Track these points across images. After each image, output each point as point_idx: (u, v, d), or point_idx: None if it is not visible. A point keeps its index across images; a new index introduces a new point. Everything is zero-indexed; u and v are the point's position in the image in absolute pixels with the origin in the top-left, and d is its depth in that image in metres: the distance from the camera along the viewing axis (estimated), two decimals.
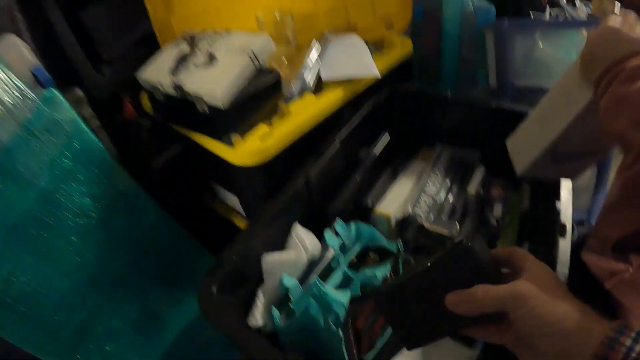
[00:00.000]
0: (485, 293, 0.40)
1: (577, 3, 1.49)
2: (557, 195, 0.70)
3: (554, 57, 1.12)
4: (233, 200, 0.95)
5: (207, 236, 1.12)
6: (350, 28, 1.02)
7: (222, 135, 0.77)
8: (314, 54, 0.87)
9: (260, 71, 0.77)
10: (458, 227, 0.84)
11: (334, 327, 0.64)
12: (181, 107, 0.81)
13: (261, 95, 0.78)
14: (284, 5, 0.91)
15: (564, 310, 0.36)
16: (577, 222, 0.79)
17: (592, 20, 1.15)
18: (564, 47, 1.11)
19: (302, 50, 0.89)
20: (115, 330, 0.98)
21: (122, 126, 1.07)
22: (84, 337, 0.91)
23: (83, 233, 0.88)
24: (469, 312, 0.41)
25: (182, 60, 0.83)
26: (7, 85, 0.79)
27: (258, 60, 0.74)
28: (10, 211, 0.81)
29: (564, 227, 0.66)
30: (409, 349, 0.48)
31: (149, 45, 1.01)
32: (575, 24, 1.13)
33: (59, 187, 0.86)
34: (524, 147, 0.70)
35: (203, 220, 1.10)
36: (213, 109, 0.75)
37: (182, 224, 1.07)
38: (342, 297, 0.66)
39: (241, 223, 0.98)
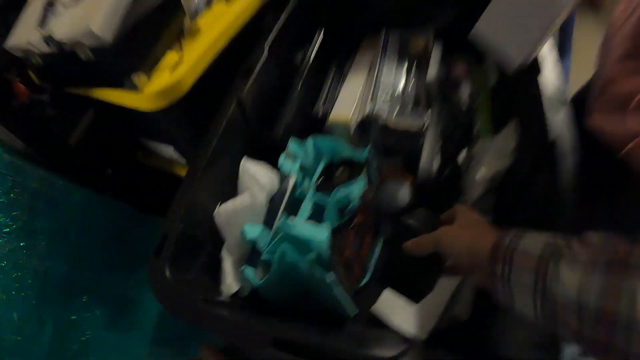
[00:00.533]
0: (422, 239, 0.53)
1: None
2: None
3: None
4: (168, 150, 0.83)
5: (157, 201, 0.99)
6: None
7: (121, 80, 0.63)
8: None
9: None
10: (425, 118, 0.73)
11: (319, 272, 0.55)
12: (63, 64, 0.66)
13: (155, 18, 0.63)
14: None
15: (468, 235, 0.48)
16: None
17: None
18: None
19: None
20: (93, 339, 0.87)
21: (21, 112, 0.90)
22: None
23: (8, 253, 0.74)
24: (418, 252, 0.53)
25: (49, 7, 0.66)
26: None
27: None
28: None
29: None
30: (417, 302, 0.64)
31: (14, 7, 0.83)
32: None
33: None
34: (511, 31, 0.57)
35: (146, 183, 0.98)
36: (98, 52, 0.60)
37: (124, 195, 0.95)
38: (320, 233, 0.56)
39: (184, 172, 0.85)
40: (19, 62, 0.82)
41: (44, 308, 0.79)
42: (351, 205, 0.63)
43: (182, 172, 0.87)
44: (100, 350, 0.89)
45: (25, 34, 0.68)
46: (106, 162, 0.93)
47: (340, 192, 0.64)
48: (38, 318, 0.78)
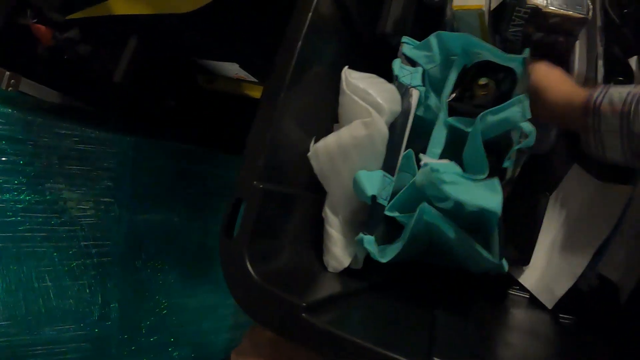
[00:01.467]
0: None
1: None
2: None
3: None
4: (233, 68, 0.66)
5: (230, 134, 0.82)
6: None
7: None
8: None
9: None
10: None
11: (486, 257, 0.38)
12: None
13: None
14: None
15: (564, 88, 0.48)
16: None
17: None
18: None
19: None
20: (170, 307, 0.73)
21: (48, 57, 0.74)
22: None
23: (49, 235, 0.60)
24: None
25: None
26: None
27: None
28: None
29: None
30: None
31: None
32: None
33: None
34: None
35: (213, 112, 0.83)
36: None
37: (189, 133, 0.80)
38: (490, 198, 0.36)
39: (259, 93, 0.69)
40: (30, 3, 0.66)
41: (103, 287, 0.65)
42: (514, 142, 0.41)
43: (255, 93, 0.71)
44: (180, 319, 0.75)
45: None
46: (164, 94, 0.78)
47: (490, 118, 0.42)
48: (100, 300, 0.64)
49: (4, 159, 0.56)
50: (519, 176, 0.47)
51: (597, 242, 0.54)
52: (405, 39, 0.48)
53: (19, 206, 0.57)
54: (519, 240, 0.55)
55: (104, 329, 0.64)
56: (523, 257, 0.55)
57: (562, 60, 0.54)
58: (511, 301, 0.56)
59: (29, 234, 0.57)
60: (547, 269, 0.56)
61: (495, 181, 0.38)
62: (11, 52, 0.73)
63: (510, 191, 0.48)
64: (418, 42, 0.48)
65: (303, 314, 0.30)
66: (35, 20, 0.72)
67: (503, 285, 0.57)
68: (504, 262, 0.39)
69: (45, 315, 0.57)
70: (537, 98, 0.47)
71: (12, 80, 0.73)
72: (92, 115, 0.69)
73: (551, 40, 0.52)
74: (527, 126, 0.41)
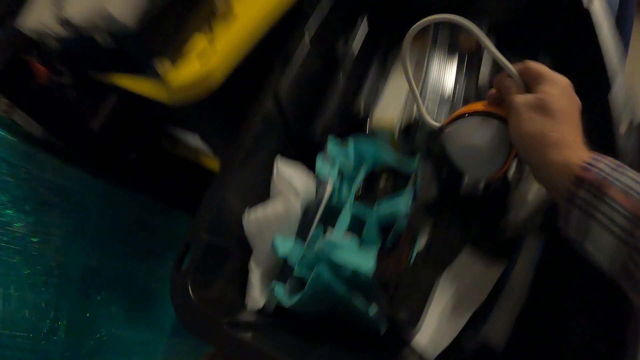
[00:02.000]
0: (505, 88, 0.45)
1: None
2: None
3: None
4: (194, 139, 0.77)
5: (180, 193, 0.93)
6: None
7: (143, 68, 0.56)
8: None
9: None
10: None
11: (360, 304, 0.50)
12: (82, 48, 0.59)
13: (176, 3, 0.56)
14: None
15: (554, 133, 0.38)
16: None
17: None
18: None
19: None
20: (109, 337, 0.83)
21: (39, 94, 0.85)
22: None
23: (20, 249, 0.69)
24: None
25: None
26: None
27: None
28: None
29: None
30: None
31: None
32: None
33: None
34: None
35: (170, 173, 0.92)
36: (117, 37, 0.53)
37: (147, 186, 0.90)
38: (365, 261, 0.49)
39: (213, 164, 0.80)
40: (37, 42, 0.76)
41: (58, 305, 0.74)
42: (397, 224, 0.56)
43: (209, 163, 0.81)
44: (116, 347, 0.84)
45: (39, 14, 0.61)
46: (129, 148, 0.87)
47: (384, 207, 0.57)
48: (52, 315, 0.73)
49: None
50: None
51: (473, 307, 0.58)
52: (330, 137, 0.63)
53: (2, 219, 0.66)
54: (412, 304, 0.63)
55: (50, 342, 0.72)
56: (413, 320, 0.61)
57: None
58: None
59: (5, 245, 0.66)
60: (434, 332, 0.59)
61: (373, 250, 0.52)
62: (9, 82, 0.83)
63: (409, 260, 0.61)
64: (339, 141, 0.64)
65: (225, 327, 0.42)
66: (37, 60, 0.83)
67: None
68: (380, 321, 0.52)
69: (1, 319, 0.65)
70: (517, 137, 0.40)
71: (7, 107, 0.83)
72: (71, 154, 0.80)
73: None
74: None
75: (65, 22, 0.56)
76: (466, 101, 0.67)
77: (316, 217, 0.55)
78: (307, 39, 0.59)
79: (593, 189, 0.34)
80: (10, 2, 0.83)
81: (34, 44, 0.78)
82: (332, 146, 0.62)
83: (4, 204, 0.67)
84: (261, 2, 0.63)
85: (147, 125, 0.85)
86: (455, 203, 0.66)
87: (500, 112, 0.46)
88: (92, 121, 0.79)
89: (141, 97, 0.61)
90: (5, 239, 0.66)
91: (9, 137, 0.69)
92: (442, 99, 0.66)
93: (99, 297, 0.81)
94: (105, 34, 0.53)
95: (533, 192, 0.61)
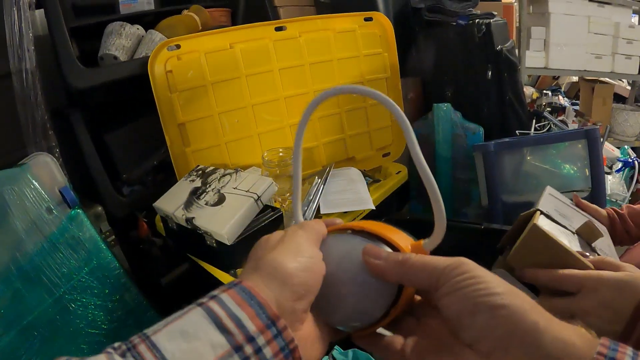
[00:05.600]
0: (420, 258, 0.34)
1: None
2: None
3: (542, 167, 1.20)
4: None
5: None
6: (349, 159, 1.11)
7: (228, 268, 0.84)
8: (314, 190, 0.95)
9: (264, 209, 0.85)
10: None
11: None
12: (191, 237, 0.88)
13: (264, 230, 0.86)
14: (287, 143, 1.01)
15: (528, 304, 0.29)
16: None
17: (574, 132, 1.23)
18: (550, 157, 1.19)
19: (304, 183, 0.98)
20: None
21: (136, 242, 1.14)
22: None
23: (93, 343, 0.92)
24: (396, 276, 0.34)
25: (194, 195, 0.91)
26: (37, 202, 0.90)
27: (261, 201, 0.82)
28: (26, 312, 0.86)
29: None
30: None
31: (166, 171, 1.11)
32: (558, 137, 1.22)
33: (75, 298, 0.92)
34: None
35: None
36: (220, 244, 0.82)
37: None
38: None
39: None
40: (150, 207, 1.07)
41: None
42: None
43: None
44: None
45: (171, 206, 0.92)
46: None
47: None
48: None
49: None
50: None
51: None
52: (335, 347, 0.86)
53: None
54: None
55: None
56: None
57: None
58: None
59: None
60: None
61: None
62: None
63: None
64: (342, 350, 0.86)
65: None
66: (145, 220, 1.13)
67: None
68: None
69: None
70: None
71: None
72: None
73: None
74: None
75: (189, 220, 0.85)
76: None
77: None
78: None
79: None
80: (141, 175, 1.18)
81: (148, 207, 1.08)
82: (337, 354, 0.85)
83: None
84: None
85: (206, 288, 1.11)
86: None
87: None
88: (164, 277, 1.05)
89: (210, 276, 0.86)
90: None
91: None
92: None
93: None
94: (213, 239, 0.82)
95: None
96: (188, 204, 0.90)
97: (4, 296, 0.85)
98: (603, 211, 0.80)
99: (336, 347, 0.86)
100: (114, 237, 1.11)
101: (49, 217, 0.92)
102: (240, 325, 0.26)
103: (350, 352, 0.86)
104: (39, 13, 1.06)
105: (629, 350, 0.27)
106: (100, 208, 1.10)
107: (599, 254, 0.63)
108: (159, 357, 0.25)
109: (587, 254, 0.56)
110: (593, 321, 0.46)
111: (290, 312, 0.30)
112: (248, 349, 0.26)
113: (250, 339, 0.26)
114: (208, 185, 0.91)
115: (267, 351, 0.26)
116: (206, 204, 0.87)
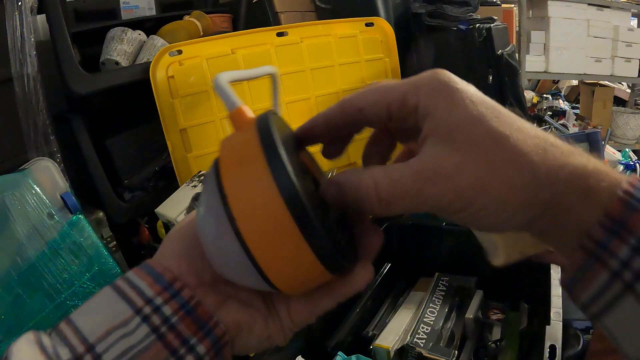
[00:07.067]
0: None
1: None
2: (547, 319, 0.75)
3: None
4: None
5: None
6: (351, 164, 1.10)
7: None
8: None
9: None
10: (456, 353, 0.86)
11: None
12: None
13: None
14: None
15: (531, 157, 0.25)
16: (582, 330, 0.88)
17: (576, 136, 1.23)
18: None
19: None
20: None
21: (137, 248, 1.14)
22: None
23: None
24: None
25: (196, 200, 0.91)
26: (39, 207, 0.89)
27: None
28: (27, 318, 0.85)
29: (553, 348, 0.70)
30: None
31: (167, 177, 1.11)
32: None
33: (77, 304, 0.91)
34: None
35: None
36: None
37: None
38: None
39: None
40: (151, 213, 1.06)
41: None
42: None
43: None
44: None
45: (173, 212, 0.92)
46: None
47: None
48: None
49: None
50: None
51: None
52: (340, 353, 0.86)
53: None
54: None
55: None
56: None
57: None
58: None
59: None
60: None
61: None
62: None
63: None
64: (346, 358, 0.86)
65: None
66: (147, 226, 1.13)
67: None
68: None
69: None
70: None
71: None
72: None
73: None
74: None
75: None
76: (451, 335, 0.89)
77: None
78: None
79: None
80: (143, 180, 1.17)
81: (149, 213, 1.08)
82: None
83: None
84: None
85: None
86: None
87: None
88: None
89: None
90: None
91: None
92: (433, 330, 0.90)
93: None
94: None
95: None
96: (190, 210, 0.89)
97: (5, 302, 0.85)
98: None
99: (340, 353, 0.85)
100: (115, 242, 1.10)
101: (50, 223, 0.91)
102: (140, 292, 0.30)
103: (354, 357, 0.85)
104: (41, 18, 1.05)
105: None
106: (101, 214, 1.10)
107: None
108: (74, 329, 0.28)
109: None
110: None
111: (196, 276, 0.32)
112: (147, 309, 0.29)
113: (148, 301, 0.29)
114: None
115: (167, 309, 0.29)
116: None
